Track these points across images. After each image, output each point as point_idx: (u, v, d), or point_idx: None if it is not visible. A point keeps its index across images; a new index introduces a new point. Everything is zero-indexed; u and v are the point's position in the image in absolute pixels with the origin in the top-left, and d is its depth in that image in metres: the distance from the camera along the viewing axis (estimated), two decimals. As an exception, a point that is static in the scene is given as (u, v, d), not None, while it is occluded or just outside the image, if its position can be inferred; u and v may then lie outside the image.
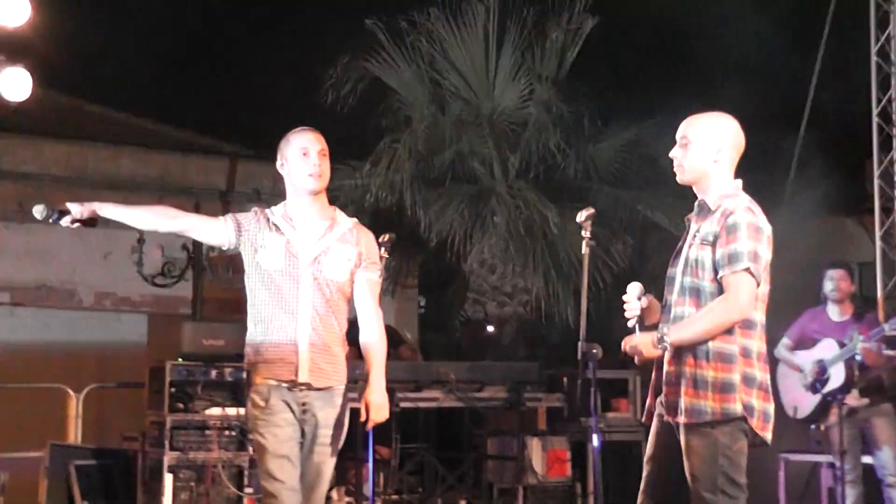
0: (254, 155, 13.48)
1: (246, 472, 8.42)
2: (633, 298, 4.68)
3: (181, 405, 8.40)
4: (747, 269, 4.35)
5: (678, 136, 4.61)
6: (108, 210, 4.78)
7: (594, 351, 5.12)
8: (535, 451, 9.32)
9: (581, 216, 5.07)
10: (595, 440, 5.10)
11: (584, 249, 5.10)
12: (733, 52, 12.53)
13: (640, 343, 4.53)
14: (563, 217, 10.98)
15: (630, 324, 4.67)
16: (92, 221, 4.75)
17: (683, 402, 4.43)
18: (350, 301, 4.96)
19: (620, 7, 12.76)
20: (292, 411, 4.78)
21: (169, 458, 8.28)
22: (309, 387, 4.79)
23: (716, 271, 4.43)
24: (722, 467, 4.36)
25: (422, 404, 9.00)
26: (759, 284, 4.39)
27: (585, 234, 5.08)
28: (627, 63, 12.87)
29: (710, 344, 4.38)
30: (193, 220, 4.94)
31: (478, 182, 11.88)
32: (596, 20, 11.94)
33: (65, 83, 13.59)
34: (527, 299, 11.63)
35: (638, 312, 4.66)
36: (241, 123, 14.15)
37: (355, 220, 5.06)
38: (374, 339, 4.93)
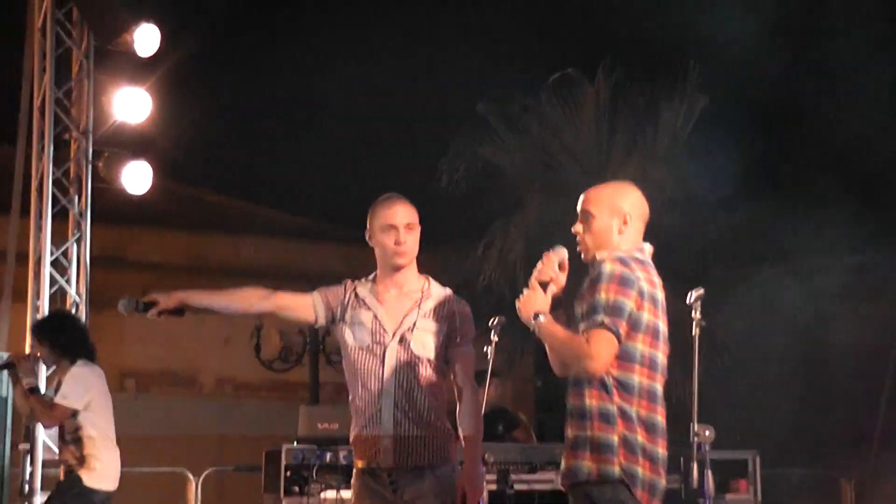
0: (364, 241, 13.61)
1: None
2: (554, 265, 4.26)
3: (296, 488, 8.42)
4: (603, 324, 4.00)
5: (579, 209, 4.30)
6: (195, 299, 4.61)
7: (706, 433, 5.06)
8: (653, 534, 9.12)
9: (690, 297, 5.03)
10: (710, 524, 5.01)
11: (695, 331, 5.06)
12: (851, 124, 12.37)
13: (527, 301, 4.15)
14: (677, 296, 10.84)
15: (532, 279, 4.24)
16: (178, 311, 4.61)
17: (564, 465, 4.13)
18: (446, 377, 4.66)
19: (733, 84, 12.70)
20: (382, 497, 4.57)
21: (285, 541, 8.30)
22: (395, 470, 4.55)
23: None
24: None
25: (537, 486, 8.90)
26: (619, 341, 4.02)
27: (696, 314, 5.03)
28: (740, 140, 12.76)
29: (593, 403, 4.05)
30: (283, 300, 4.70)
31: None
32: (707, 98, 11.88)
33: (185, 175, 13.96)
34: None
35: (551, 277, 4.23)
36: (355, 209, 14.35)
37: (449, 291, 4.74)
38: (464, 423, 4.62)
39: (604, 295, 4.03)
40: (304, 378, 12.54)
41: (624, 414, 4.03)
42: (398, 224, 4.67)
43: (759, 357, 11.79)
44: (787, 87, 12.85)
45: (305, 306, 4.70)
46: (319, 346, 11.90)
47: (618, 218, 4.26)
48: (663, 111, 12.05)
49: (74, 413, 6.40)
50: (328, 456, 8.49)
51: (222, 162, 15.34)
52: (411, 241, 4.68)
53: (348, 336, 4.68)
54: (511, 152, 12.36)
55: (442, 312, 4.67)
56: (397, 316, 4.65)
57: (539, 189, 12.03)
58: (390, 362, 4.58)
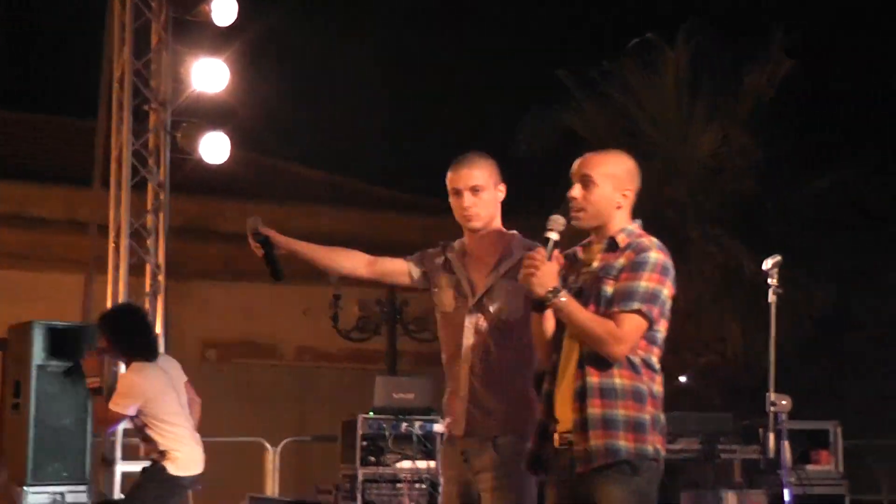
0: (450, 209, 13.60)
1: (438, 524, 8.41)
2: (559, 226, 4.06)
3: (373, 458, 8.47)
4: (638, 311, 3.92)
5: (578, 174, 4.13)
6: (303, 248, 4.62)
7: (783, 402, 4.98)
8: (732, 505, 9.06)
9: (767, 263, 4.94)
10: (787, 495, 4.93)
11: (771, 297, 4.97)
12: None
13: (545, 275, 3.93)
14: (760, 264, 10.69)
15: (541, 253, 4.00)
16: (274, 260, 4.55)
17: (593, 444, 3.95)
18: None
19: (819, 48, 12.45)
20: (458, 466, 4.50)
21: (362, 511, 8.35)
22: (466, 438, 4.48)
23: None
24: None
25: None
26: (650, 328, 3.94)
27: (772, 281, 4.95)
28: (827, 106, 12.50)
29: (625, 382, 3.95)
30: (385, 265, 4.68)
31: (672, 230, 11.69)
32: (793, 62, 11.67)
33: (265, 146, 14.04)
34: (723, 348, 11.36)
35: (557, 237, 4.02)
36: (436, 178, 14.34)
37: (533, 244, 4.35)
38: None
39: (644, 283, 3.97)
40: (382, 347, 12.61)
41: (652, 393, 3.99)
42: (462, 188, 4.52)
43: (843, 326, 11.60)
44: (874, 49, 12.57)
45: (402, 273, 4.68)
46: (397, 315, 11.93)
47: (619, 192, 4.12)
48: (746, 75, 11.85)
49: (131, 417, 6.47)
50: (403, 426, 8.54)
51: (302, 132, 15.39)
52: (481, 204, 4.51)
53: (436, 300, 4.63)
54: (591, 118, 12.25)
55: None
56: (478, 280, 4.54)
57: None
58: (469, 328, 4.49)
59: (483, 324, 4.48)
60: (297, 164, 15.45)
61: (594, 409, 3.97)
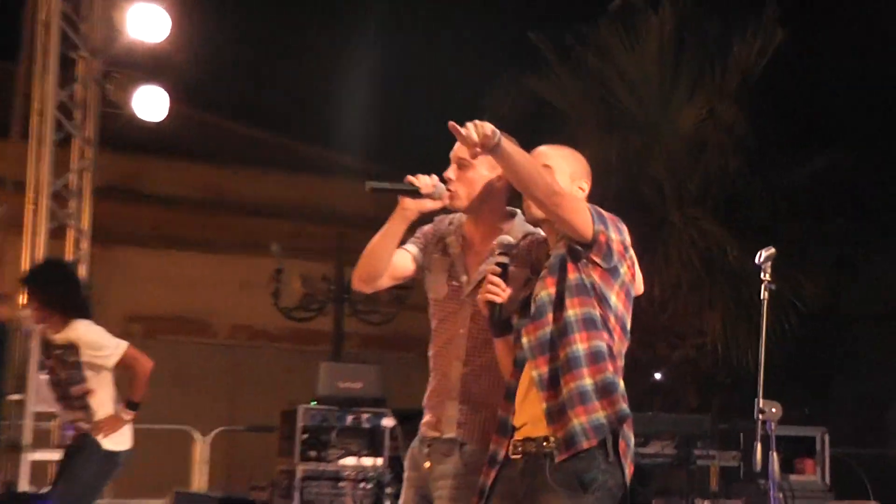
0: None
1: (384, 530, 8.33)
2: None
3: (313, 453, 8.38)
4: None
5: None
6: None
7: (773, 409, 4.88)
8: (706, 515, 9.03)
9: (760, 256, 4.80)
10: (772, 508, 4.84)
11: (763, 294, 4.83)
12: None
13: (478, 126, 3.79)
14: (745, 251, 10.62)
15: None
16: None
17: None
18: None
19: (814, 17, 12.35)
20: (417, 467, 4.34)
21: (299, 510, 8.27)
22: (434, 440, 4.29)
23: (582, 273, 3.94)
24: None
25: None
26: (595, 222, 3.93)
27: (765, 276, 4.81)
28: (822, 80, 12.41)
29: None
30: (394, 268, 4.38)
31: (649, 210, 11.61)
32: (787, 33, 11.57)
33: (206, 102, 13.80)
34: (701, 342, 11.29)
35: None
36: (393, 145, 14.17)
37: (531, 230, 4.32)
38: None
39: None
40: (327, 328, 12.43)
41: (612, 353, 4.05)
42: (451, 157, 4.31)
43: (834, 323, 11.59)
44: (875, 23, 12.49)
45: (407, 266, 4.41)
46: (345, 294, 11.77)
47: (576, 185, 4.14)
48: (735, 44, 11.76)
49: (76, 380, 6.34)
50: (349, 418, 8.46)
51: (248, 89, 15.16)
52: (464, 183, 4.28)
53: (427, 285, 4.43)
54: (564, 86, 12.12)
55: (522, 255, 4.28)
56: (473, 264, 4.34)
57: (595, 126, 11.79)
58: (462, 319, 4.32)
59: (479, 315, 4.24)
60: (243, 123, 15.22)
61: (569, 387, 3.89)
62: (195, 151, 13.72)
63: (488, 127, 3.78)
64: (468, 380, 4.29)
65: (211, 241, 13.06)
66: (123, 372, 6.46)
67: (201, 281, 13.26)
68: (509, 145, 3.83)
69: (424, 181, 4.19)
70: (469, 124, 3.80)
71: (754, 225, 11.20)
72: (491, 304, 4.03)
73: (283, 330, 13.28)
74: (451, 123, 3.84)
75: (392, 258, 4.32)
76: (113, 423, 6.31)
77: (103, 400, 6.35)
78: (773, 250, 4.84)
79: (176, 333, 13.32)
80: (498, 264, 4.05)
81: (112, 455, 6.33)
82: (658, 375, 11.54)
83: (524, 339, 3.99)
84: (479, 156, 3.91)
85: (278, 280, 11.52)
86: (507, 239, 4.11)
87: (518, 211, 4.39)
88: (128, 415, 6.38)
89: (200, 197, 13.45)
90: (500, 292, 4.01)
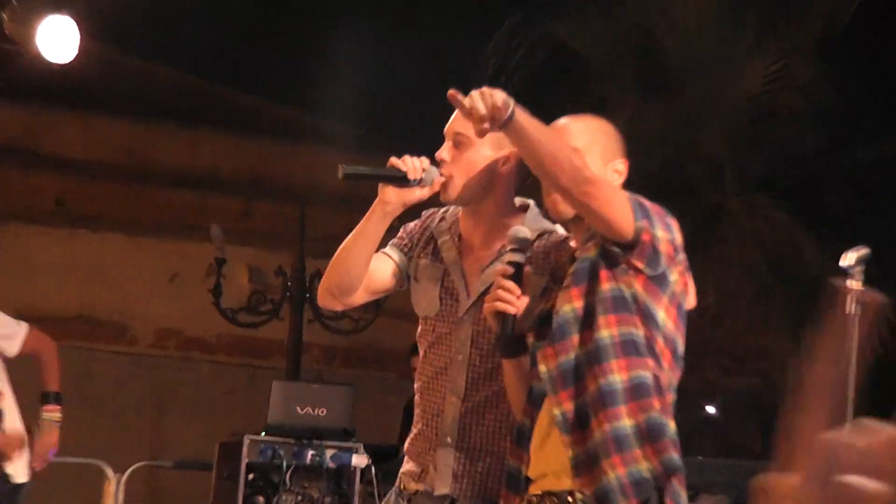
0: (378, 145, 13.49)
1: None
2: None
3: (261, 499, 8.43)
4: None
5: None
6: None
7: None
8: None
9: (849, 259, 4.77)
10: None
11: (852, 307, 4.81)
12: None
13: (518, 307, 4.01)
14: (824, 249, 10.70)
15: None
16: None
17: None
18: None
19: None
20: None
21: (241, 576, 8.34)
22: (429, 497, 4.34)
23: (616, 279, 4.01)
24: None
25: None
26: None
27: (855, 284, 4.79)
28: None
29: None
30: (372, 281, 4.47)
31: (700, 195, 11.69)
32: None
33: (129, 42, 13.78)
34: (765, 366, 11.36)
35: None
36: (368, 104, 14.19)
37: (549, 228, 4.43)
38: None
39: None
40: (282, 337, 12.44)
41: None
42: (446, 132, 4.42)
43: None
44: None
45: (389, 274, 4.50)
46: (305, 293, 11.78)
47: (610, 168, 4.24)
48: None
49: None
50: (308, 454, 8.50)
51: (187, 28, 15.14)
52: (460, 164, 4.36)
53: (414, 300, 4.49)
54: (593, 31, 12.18)
55: (543, 261, 4.37)
56: (473, 272, 4.41)
57: (631, 85, 11.86)
58: (458, 343, 4.37)
59: (481, 337, 4.32)
60: (178, 69, 15.23)
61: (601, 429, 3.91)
62: (114, 104, 13.71)
63: (499, 96, 3.76)
64: (467, 420, 4.33)
65: (132, 220, 13.00)
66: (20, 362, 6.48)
67: (118, 271, 13.22)
68: (526, 118, 3.81)
69: (412, 164, 4.21)
70: (475, 93, 3.80)
71: (838, 218, 11.26)
72: (501, 315, 4.02)
73: (224, 338, 13.35)
74: (452, 92, 3.84)
75: (368, 266, 4.34)
76: (20, 442, 6.35)
77: (10, 405, 6.40)
78: (865, 250, 4.82)
79: (84, 339, 13.29)
80: (510, 263, 4.05)
81: (20, 488, 6.38)
82: (710, 409, 11.60)
83: (542, 367, 3.99)
84: (486, 133, 3.89)
85: (220, 273, 11.51)
86: (523, 231, 4.12)
87: (531, 202, 4.41)
88: (55, 412, 6.38)
89: (120, 162, 13.44)
90: (514, 300, 4.01)
